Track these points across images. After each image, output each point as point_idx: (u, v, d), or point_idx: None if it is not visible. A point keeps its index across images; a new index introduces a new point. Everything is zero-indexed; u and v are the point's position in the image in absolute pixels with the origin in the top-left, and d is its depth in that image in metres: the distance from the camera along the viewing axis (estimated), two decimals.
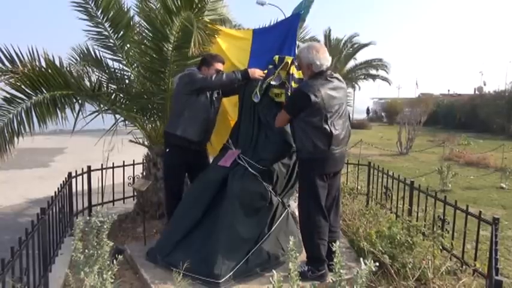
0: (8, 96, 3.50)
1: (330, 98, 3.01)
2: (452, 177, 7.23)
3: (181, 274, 2.55)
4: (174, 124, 3.59)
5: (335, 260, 2.04)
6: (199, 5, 3.66)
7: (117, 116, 4.42)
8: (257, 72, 3.51)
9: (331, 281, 2.12)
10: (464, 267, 3.33)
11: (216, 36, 3.95)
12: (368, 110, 35.34)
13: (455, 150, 11.30)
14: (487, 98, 22.54)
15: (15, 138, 3.52)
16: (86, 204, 4.61)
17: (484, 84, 28.87)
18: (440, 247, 3.40)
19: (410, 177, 5.00)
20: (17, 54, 3.64)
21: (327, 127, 2.97)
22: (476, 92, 27.19)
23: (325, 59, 3.08)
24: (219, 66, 3.61)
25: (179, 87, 3.59)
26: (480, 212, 3.32)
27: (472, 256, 3.37)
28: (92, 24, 4.54)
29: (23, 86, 3.56)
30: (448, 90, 38.17)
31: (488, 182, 7.86)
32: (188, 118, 3.52)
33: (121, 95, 4.51)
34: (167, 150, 3.67)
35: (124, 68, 4.70)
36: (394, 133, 13.83)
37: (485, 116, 20.58)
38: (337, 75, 3.20)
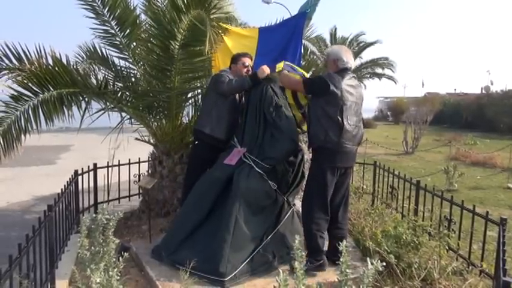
0: (15, 93, 3.52)
1: (347, 93, 3.16)
2: (459, 177, 7.18)
3: (187, 272, 2.56)
4: (202, 122, 3.70)
5: (341, 259, 2.04)
6: (209, 4, 3.66)
7: (123, 114, 4.44)
8: (265, 71, 3.51)
9: (337, 279, 2.12)
10: (470, 267, 3.31)
11: (224, 34, 3.96)
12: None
13: (462, 150, 11.21)
14: (494, 97, 22.31)
15: (22, 136, 3.54)
16: (91, 202, 4.63)
17: (491, 84, 28.56)
18: (447, 247, 3.38)
19: (416, 177, 4.97)
20: (24, 52, 3.66)
21: (340, 119, 3.11)
22: (483, 91, 26.92)
23: (350, 59, 3.34)
24: (246, 60, 3.72)
25: (210, 86, 3.72)
26: (487, 212, 3.29)
27: (478, 257, 3.34)
28: (98, 22, 4.55)
29: (30, 84, 3.57)
30: (455, 89, 37.92)
31: (495, 182, 7.80)
32: (216, 118, 3.61)
33: (127, 93, 4.52)
34: (196, 142, 3.79)
35: (130, 66, 4.71)
36: (399, 132, 13.77)
37: (492, 116, 20.39)
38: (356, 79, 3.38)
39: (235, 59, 3.73)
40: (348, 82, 3.19)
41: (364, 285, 1.98)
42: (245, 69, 3.70)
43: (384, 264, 2.05)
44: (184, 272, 2.50)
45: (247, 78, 3.51)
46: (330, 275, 3.11)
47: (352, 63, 3.33)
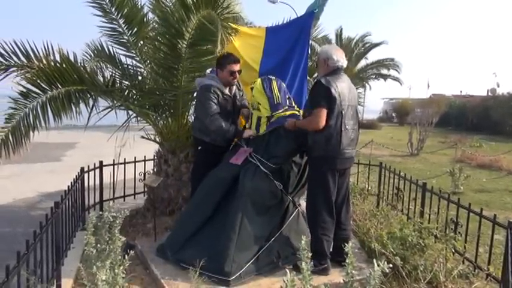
0: (24, 90, 3.54)
1: (344, 95, 3.11)
2: (464, 180, 7.14)
3: (194, 271, 2.56)
4: (201, 131, 3.68)
5: (347, 260, 2.03)
6: (219, 3, 3.65)
7: (130, 112, 4.45)
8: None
9: (342, 281, 2.11)
10: (477, 271, 3.29)
11: (234, 34, 3.95)
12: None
13: (467, 152, 11.15)
14: (500, 99, 22.13)
15: (31, 132, 3.56)
16: (97, 199, 4.65)
17: (498, 86, 28.28)
18: (453, 250, 3.36)
19: (421, 179, 4.96)
20: (32, 49, 3.68)
21: (339, 125, 3.06)
22: (489, 94, 26.73)
23: (341, 58, 3.22)
24: (233, 67, 3.57)
25: (199, 97, 3.68)
26: (495, 215, 3.27)
27: (485, 260, 3.33)
28: (106, 21, 4.56)
29: (38, 81, 3.59)
30: (461, 91, 37.54)
31: (500, 185, 7.74)
32: None
33: (134, 91, 4.53)
34: (199, 148, 3.79)
35: (137, 64, 4.72)
36: (404, 134, 13.72)
37: (498, 118, 20.25)
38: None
39: (222, 64, 3.57)
40: (343, 84, 3.14)
41: (370, 287, 1.97)
42: (232, 77, 3.61)
43: (390, 265, 2.04)
44: (193, 271, 2.50)
45: (232, 131, 3.51)
46: (335, 276, 3.10)
47: (343, 62, 3.21)
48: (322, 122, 3.05)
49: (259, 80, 3.54)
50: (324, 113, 3.04)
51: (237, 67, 3.61)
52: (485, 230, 3.54)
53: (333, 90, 3.02)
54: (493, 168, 9.58)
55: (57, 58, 3.77)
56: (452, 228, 3.54)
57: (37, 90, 3.58)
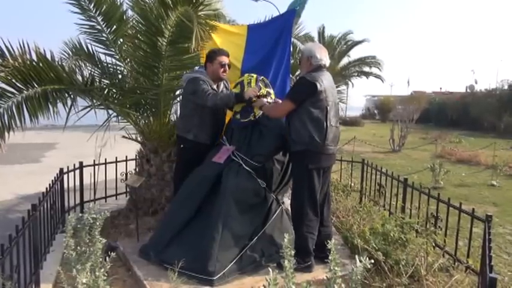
0: None
1: (328, 92, 3.14)
2: (444, 175, 7.29)
3: (176, 272, 2.53)
4: (185, 128, 3.63)
5: (330, 257, 2.03)
6: (197, 0, 3.62)
7: (110, 111, 4.36)
8: (252, 93, 3.43)
9: (326, 277, 2.12)
10: (456, 264, 3.36)
11: (212, 31, 3.92)
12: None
13: (447, 148, 11.39)
14: (478, 96, 22.76)
15: (6, 133, 3.46)
16: (77, 201, 4.56)
17: (476, 83, 29.13)
18: (433, 244, 3.42)
19: (403, 174, 5.04)
20: (7, 47, 3.56)
21: (324, 120, 3.08)
22: (468, 90, 27.41)
23: (324, 56, 3.24)
24: (223, 59, 3.58)
25: (186, 93, 3.61)
26: (473, 209, 3.34)
27: (464, 253, 3.40)
28: (84, 18, 4.46)
29: (13, 80, 3.48)
30: (440, 88, 38.39)
31: (479, 179, 7.94)
32: (199, 124, 3.55)
33: (114, 90, 4.46)
34: (181, 146, 3.70)
35: (117, 62, 4.62)
36: (386, 130, 13.91)
37: (476, 114, 20.79)
38: None
39: (211, 57, 3.57)
40: (326, 82, 3.16)
41: (353, 283, 1.99)
42: (222, 69, 3.59)
43: (372, 261, 2.06)
44: (172, 271, 2.47)
45: (233, 97, 3.40)
46: (319, 272, 3.12)
47: (326, 60, 3.24)
48: (282, 114, 3.28)
49: (254, 77, 3.53)
50: (289, 106, 3.16)
51: (226, 59, 3.61)
52: (464, 224, 3.61)
53: (318, 85, 3.04)
54: (471, 163, 9.83)
55: (34, 57, 3.66)
56: (432, 223, 3.61)
57: (12, 90, 3.48)
